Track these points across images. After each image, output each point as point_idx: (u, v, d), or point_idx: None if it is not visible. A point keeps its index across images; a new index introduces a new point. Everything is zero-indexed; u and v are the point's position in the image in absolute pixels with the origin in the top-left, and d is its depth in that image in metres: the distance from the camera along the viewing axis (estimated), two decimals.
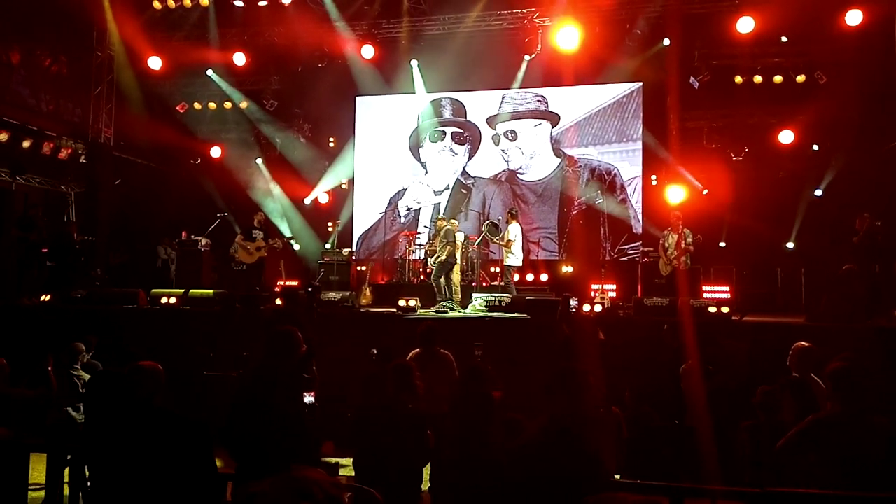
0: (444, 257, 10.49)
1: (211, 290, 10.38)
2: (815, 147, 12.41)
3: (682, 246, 10.47)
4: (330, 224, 12.57)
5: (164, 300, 10.09)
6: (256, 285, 11.16)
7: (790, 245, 12.14)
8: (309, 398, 5.37)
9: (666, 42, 12.50)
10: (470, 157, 14.66)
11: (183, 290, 10.31)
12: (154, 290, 10.40)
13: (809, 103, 11.82)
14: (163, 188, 14.45)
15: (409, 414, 4.37)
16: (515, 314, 9.63)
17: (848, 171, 11.57)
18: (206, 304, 10.02)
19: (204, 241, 12.55)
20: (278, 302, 9.28)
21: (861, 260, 9.36)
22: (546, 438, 3.19)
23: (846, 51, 11.29)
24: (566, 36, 11.53)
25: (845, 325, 7.89)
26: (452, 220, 11.25)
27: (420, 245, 13.44)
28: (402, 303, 9.95)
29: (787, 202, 12.17)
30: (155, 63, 13.28)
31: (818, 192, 12.19)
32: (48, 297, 10.08)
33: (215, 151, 14.60)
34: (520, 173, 14.36)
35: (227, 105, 14.43)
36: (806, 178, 12.26)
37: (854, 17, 10.80)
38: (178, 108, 14.31)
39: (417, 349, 6.28)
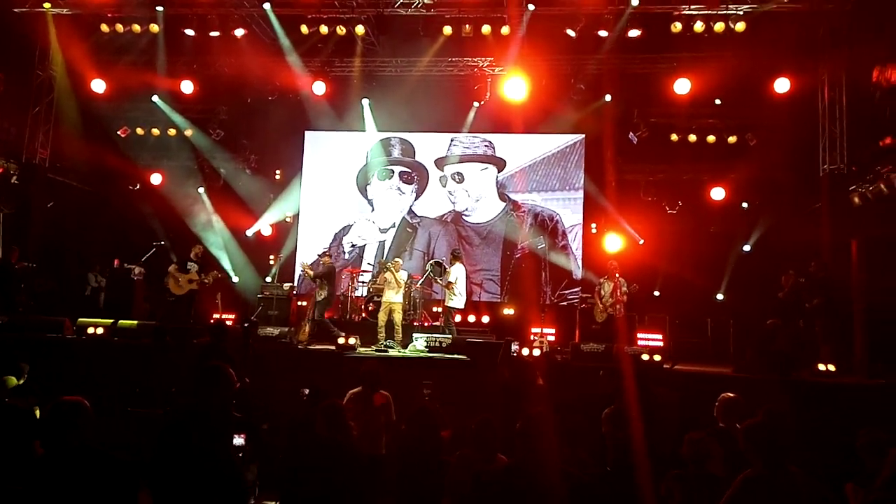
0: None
1: (141, 322, 10.04)
2: (745, 205, 13.05)
3: (618, 294, 10.78)
4: (272, 257, 12.37)
5: (90, 330, 9.70)
6: (186, 318, 10.85)
7: (720, 296, 12.63)
8: (239, 440, 5.22)
9: (607, 98, 13.07)
10: (417, 197, 14.79)
11: (111, 321, 9.93)
12: (81, 320, 9.99)
13: (740, 163, 12.47)
14: (98, 213, 13.97)
15: (340, 454, 4.30)
16: (456, 355, 9.66)
17: (774, 229, 12.19)
18: (135, 335, 9.69)
19: (137, 270, 12.17)
20: (205, 338, 9.05)
21: (785, 315, 9.83)
22: (510, 481, 3.20)
23: (775, 115, 11.97)
24: (514, 86, 11.90)
25: (769, 378, 8.23)
26: (397, 259, 11.29)
27: (363, 282, 13.38)
28: (341, 340, 9.86)
29: (718, 256, 12.70)
30: (98, 86, 12.98)
31: (747, 248, 12.78)
32: None
33: (156, 178, 14.27)
34: (465, 215, 14.56)
35: (172, 132, 14.17)
36: (736, 233, 12.85)
37: (782, 85, 11.54)
38: (119, 132, 13.97)
39: (357, 388, 6.23)
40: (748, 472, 3.77)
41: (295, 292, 12.70)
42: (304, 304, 12.67)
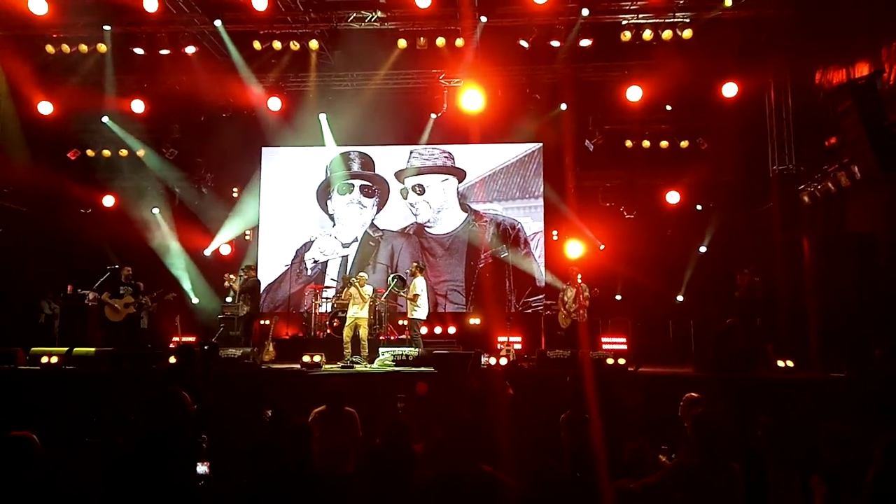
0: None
1: (96, 349, 9.75)
2: (699, 207, 13.35)
3: (580, 299, 10.89)
4: (227, 276, 12.08)
5: (44, 359, 9.39)
6: (133, 343, 10.57)
7: (680, 298, 12.86)
8: (202, 468, 5.07)
9: (563, 107, 13.24)
10: (378, 210, 14.74)
11: (66, 349, 9.63)
12: (34, 349, 9.66)
13: (693, 167, 12.76)
14: (50, 238, 13.55)
15: (305, 477, 4.22)
16: (423, 368, 9.62)
17: (728, 229, 12.49)
18: (91, 363, 9.40)
19: (91, 296, 11.81)
20: (172, 360, 8.83)
21: (743, 313, 10.06)
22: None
23: (725, 119, 12.29)
24: (470, 97, 11.97)
25: (729, 376, 8.39)
26: (361, 274, 11.22)
27: (327, 298, 13.25)
28: (306, 358, 9.73)
29: (676, 258, 12.96)
30: (45, 108, 12.61)
31: (703, 249, 13.05)
32: None
33: (108, 200, 13.93)
34: (427, 227, 14.56)
35: (123, 153, 13.85)
36: (692, 235, 13.13)
37: (730, 90, 11.83)
38: (69, 154, 13.60)
39: (322, 407, 6.14)
40: (685, 457, 3.86)
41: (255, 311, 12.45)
42: (267, 322, 12.48)
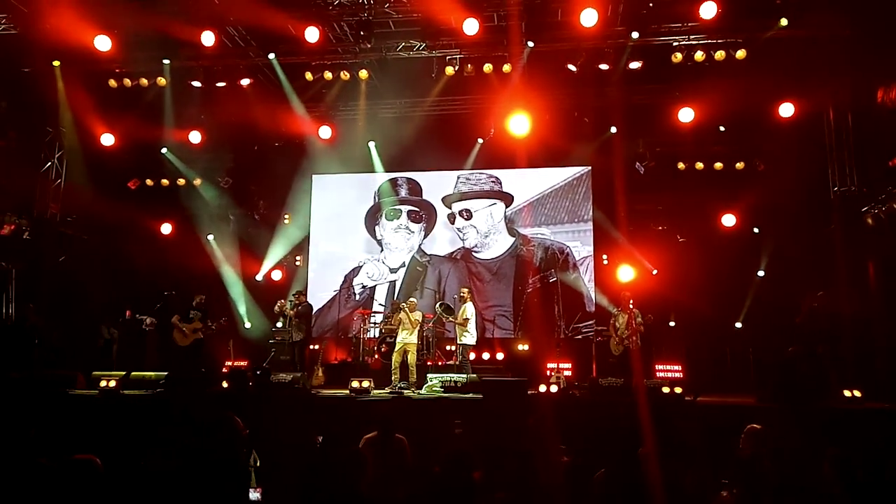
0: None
1: (153, 374, 9.96)
2: (756, 230, 12.92)
3: (633, 325, 10.63)
4: (279, 303, 12.23)
5: (102, 383, 9.63)
6: (195, 368, 10.77)
7: (739, 325, 12.41)
8: (255, 494, 5.06)
9: (613, 130, 13.09)
10: (426, 235, 14.78)
11: (124, 373, 9.87)
12: (95, 373, 9.94)
13: (749, 188, 12.38)
14: (109, 265, 14.02)
15: (357, 503, 4.17)
16: (472, 395, 9.51)
17: (787, 253, 12.03)
18: (149, 386, 9.62)
19: (149, 321, 12.15)
20: (224, 384, 8.95)
21: (804, 341, 9.64)
22: None
23: (782, 140, 11.94)
24: (517, 122, 11.95)
25: (794, 407, 8.01)
26: (411, 300, 11.22)
27: (375, 323, 13.28)
28: (354, 384, 9.73)
29: (733, 283, 12.52)
30: (107, 140, 13.16)
31: (760, 273, 12.61)
32: None
33: (166, 228, 14.36)
34: (475, 251, 14.51)
35: (181, 182, 14.32)
36: (749, 260, 12.69)
37: (787, 110, 11.52)
38: (129, 184, 14.11)
39: (373, 433, 6.12)
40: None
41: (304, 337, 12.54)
42: (316, 347, 12.58)
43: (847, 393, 8.84)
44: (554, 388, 9.49)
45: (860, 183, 11.11)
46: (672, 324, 12.77)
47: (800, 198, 12.08)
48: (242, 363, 12.31)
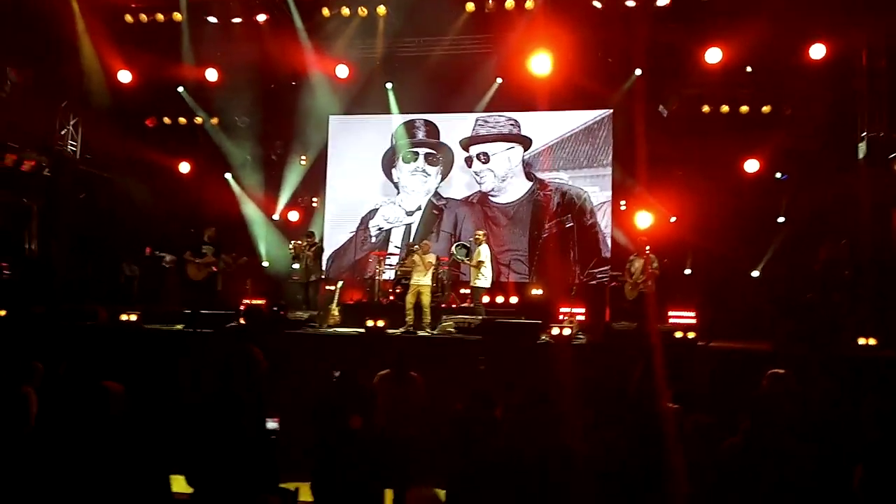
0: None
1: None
2: (778, 175, 12.66)
3: (649, 270, 10.58)
4: (291, 244, 12.20)
5: (123, 317, 9.85)
6: (211, 302, 10.94)
7: (755, 273, 12.30)
8: (272, 423, 5.22)
9: (637, 72, 12.72)
10: (442, 179, 14.68)
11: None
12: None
13: (775, 133, 12.07)
14: (129, 203, 14.14)
15: (370, 438, 4.29)
16: (483, 335, 9.61)
17: (811, 200, 11.80)
18: (167, 320, 9.85)
19: (168, 258, 12.31)
20: (241, 321, 9.12)
21: (821, 288, 9.56)
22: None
23: (811, 83, 11.55)
24: (539, 62, 11.65)
25: (808, 353, 8.00)
26: (425, 242, 11.23)
27: (390, 265, 13.36)
28: (369, 323, 9.85)
29: (754, 230, 12.35)
30: (125, 77, 13.06)
31: (781, 220, 12.41)
32: (3, 313, 9.78)
33: (184, 167, 14.38)
34: (492, 195, 14.42)
35: (198, 120, 14.26)
36: (771, 206, 12.48)
37: (818, 51, 11.09)
38: (147, 122, 14.10)
39: (387, 370, 6.23)
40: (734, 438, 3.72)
41: (323, 277, 12.67)
42: (332, 288, 12.69)
43: (862, 341, 8.80)
44: (567, 332, 9.55)
45: (889, 129, 10.77)
46: (688, 271, 12.69)
47: (826, 143, 11.77)
48: (260, 301, 12.49)
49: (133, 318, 9.89)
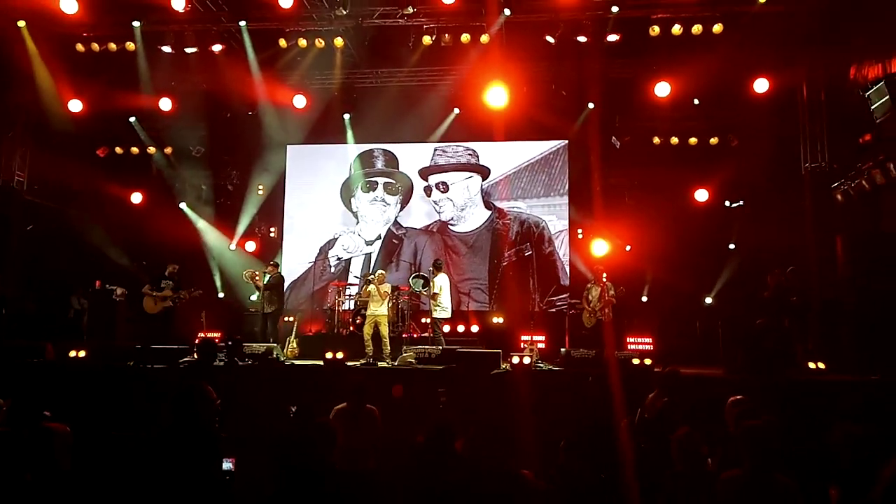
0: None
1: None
2: (728, 204, 13.06)
3: (606, 298, 10.74)
4: (248, 272, 12.00)
5: (72, 353, 9.52)
6: (164, 338, 10.66)
7: (709, 300, 12.60)
8: (227, 464, 5.05)
9: (590, 106, 13.05)
10: (402, 208, 14.71)
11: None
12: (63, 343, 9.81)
13: (723, 164, 12.49)
14: (78, 234, 13.74)
15: (327, 473, 4.19)
16: (445, 366, 9.57)
17: (759, 229, 12.20)
18: (119, 357, 9.53)
19: (119, 291, 11.99)
20: (195, 356, 8.90)
21: (772, 314, 9.83)
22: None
23: (756, 116, 12.02)
24: (495, 94, 11.86)
25: (760, 378, 8.19)
26: (380, 272, 11.19)
27: (350, 296, 13.26)
28: (329, 355, 9.73)
29: (705, 258, 12.68)
30: (76, 106, 12.79)
31: (732, 246, 12.78)
32: None
33: (136, 197, 14.10)
34: (451, 224, 14.49)
35: (151, 150, 14.02)
36: (722, 235, 12.85)
37: (762, 85, 11.57)
38: (98, 152, 13.80)
39: (344, 404, 6.13)
40: (733, 471, 3.77)
41: (281, 308, 12.47)
42: (291, 319, 12.53)
43: (812, 365, 9.07)
44: (527, 360, 9.60)
45: (831, 159, 11.25)
46: (644, 298, 12.92)
47: (772, 174, 12.23)
48: (216, 334, 12.23)
49: (82, 354, 9.56)
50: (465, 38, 11.40)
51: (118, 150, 14.02)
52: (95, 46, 12.04)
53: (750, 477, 3.65)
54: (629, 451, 5.86)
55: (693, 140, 12.84)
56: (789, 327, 9.87)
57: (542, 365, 9.93)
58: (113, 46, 11.99)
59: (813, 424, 4.77)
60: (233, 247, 14.43)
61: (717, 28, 10.75)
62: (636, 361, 9.19)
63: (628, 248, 13.11)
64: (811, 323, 10.33)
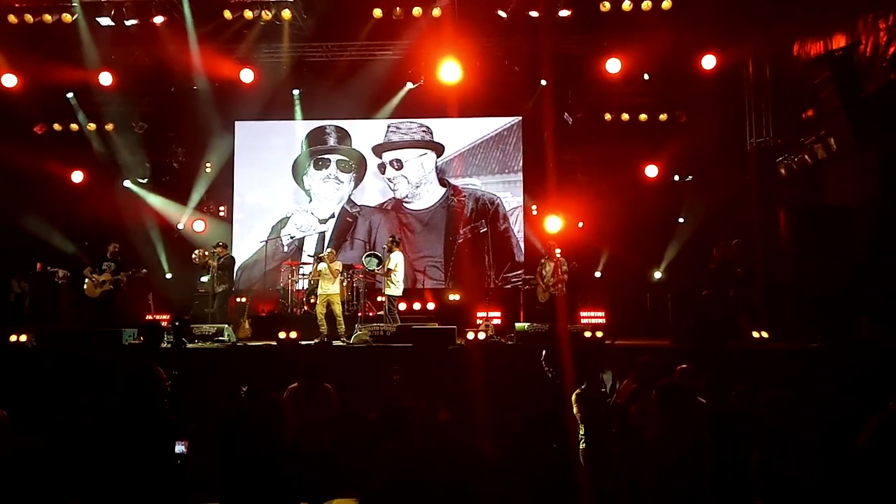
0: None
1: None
2: (676, 178, 13.32)
3: (559, 273, 10.87)
4: (197, 251, 11.69)
5: (13, 338, 9.17)
6: (106, 320, 10.34)
7: (658, 275, 12.87)
8: (180, 447, 4.93)
9: (543, 83, 13.05)
10: (355, 186, 14.54)
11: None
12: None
13: (672, 140, 12.71)
14: (17, 215, 13.16)
15: (280, 452, 4.14)
16: (400, 344, 9.58)
17: (706, 203, 12.49)
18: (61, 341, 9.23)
19: (62, 273, 11.56)
20: (140, 338, 8.68)
21: (717, 286, 10.12)
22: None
23: (704, 92, 12.23)
24: (448, 70, 11.76)
25: (705, 347, 8.45)
26: (330, 250, 11.07)
27: (304, 275, 13.09)
28: (282, 335, 9.61)
29: (656, 232, 12.93)
30: (9, 81, 12.20)
31: (681, 220, 13.06)
32: None
33: (77, 176, 13.55)
34: (406, 202, 14.40)
35: (92, 127, 13.47)
36: (671, 210, 13.11)
37: (709, 62, 11.76)
38: (35, 129, 13.20)
39: (296, 383, 6.07)
40: (656, 432, 3.87)
41: (232, 289, 12.24)
42: (242, 300, 12.31)
43: (755, 334, 9.39)
44: (482, 336, 9.67)
45: (775, 134, 11.55)
46: (598, 273, 13.12)
47: (718, 149, 12.51)
48: (164, 317, 11.93)
49: (23, 338, 9.23)
50: (417, 11, 11.26)
51: (57, 126, 13.42)
52: (29, 18, 11.45)
53: (670, 434, 3.74)
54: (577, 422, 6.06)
55: (643, 116, 13.00)
56: (734, 298, 10.17)
57: (496, 338, 10.03)
58: (48, 18, 11.43)
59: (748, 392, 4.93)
60: (181, 226, 14.02)
61: (667, 4, 10.88)
62: (588, 335, 9.35)
63: (581, 224, 13.26)
64: (755, 293, 10.67)
